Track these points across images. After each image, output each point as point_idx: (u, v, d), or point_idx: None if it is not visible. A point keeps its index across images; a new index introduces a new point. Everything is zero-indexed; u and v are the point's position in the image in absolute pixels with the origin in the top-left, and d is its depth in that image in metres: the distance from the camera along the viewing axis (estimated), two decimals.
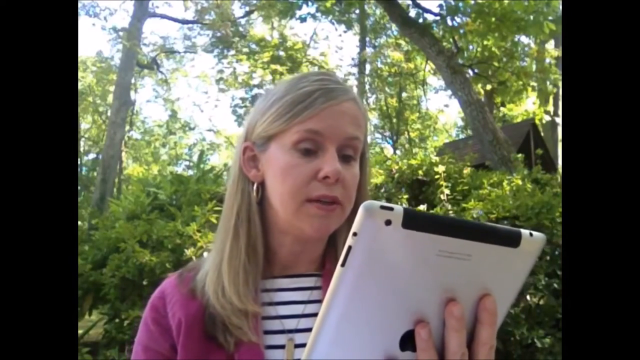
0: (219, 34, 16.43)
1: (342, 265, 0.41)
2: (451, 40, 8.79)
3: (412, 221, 0.40)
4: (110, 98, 17.97)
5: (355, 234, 0.40)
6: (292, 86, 0.74)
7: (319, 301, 0.76)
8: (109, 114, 16.05)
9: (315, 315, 0.74)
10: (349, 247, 0.40)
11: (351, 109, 0.73)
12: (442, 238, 0.42)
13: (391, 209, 0.40)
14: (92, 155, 22.79)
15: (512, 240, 0.45)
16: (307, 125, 0.71)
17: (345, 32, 18.41)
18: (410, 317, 0.44)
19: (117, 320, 3.51)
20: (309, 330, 0.73)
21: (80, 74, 19.12)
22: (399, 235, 0.40)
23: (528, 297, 2.98)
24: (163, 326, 0.74)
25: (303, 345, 0.72)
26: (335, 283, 0.41)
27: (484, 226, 0.44)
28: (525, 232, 0.45)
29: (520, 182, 4.34)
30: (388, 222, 0.40)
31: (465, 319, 0.45)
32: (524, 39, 10.00)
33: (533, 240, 0.46)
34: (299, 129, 0.71)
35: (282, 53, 15.97)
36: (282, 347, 0.73)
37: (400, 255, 0.41)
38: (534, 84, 10.36)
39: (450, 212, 3.77)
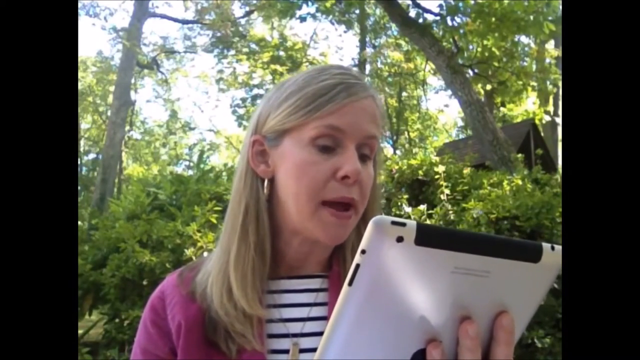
0: (219, 34, 16.43)
1: (350, 284, 0.38)
2: (451, 40, 8.79)
3: (425, 238, 0.37)
4: (110, 98, 17.96)
5: (363, 252, 0.37)
6: (312, 78, 0.70)
7: (325, 304, 0.73)
8: (109, 114, 16.06)
9: (320, 318, 0.73)
10: (357, 265, 0.37)
11: (370, 107, 0.70)
12: (458, 254, 0.39)
13: (403, 224, 0.37)
14: (92, 155, 22.81)
15: (533, 255, 0.42)
16: (328, 121, 0.67)
17: (345, 32, 18.45)
18: (422, 336, 0.41)
19: (117, 320, 3.53)
20: (314, 334, 0.72)
21: (80, 74, 19.11)
22: (412, 253, 0.37)
23: None
24: (162, 329, 0.71)
25: (307, 350, 0.70)
26: (341, 302, 0.39)
27: (503, 241, 0.41)
28: (546, 245, 0.43)
29: (520, 182, 4.34)
30: (400, 239, 0.37)
31: (480, 337, 0.42)
32: (524, 39, 10.00)
33: (555, 254, 0.43)
34: (319, 124, 0.67)
35: (282, 53, 15.98)
36: (286, 351, 0.70)
37: (412, 274, 0.38)
38: (534, 84, 10.38)
39: (450, 212, 3.77)
